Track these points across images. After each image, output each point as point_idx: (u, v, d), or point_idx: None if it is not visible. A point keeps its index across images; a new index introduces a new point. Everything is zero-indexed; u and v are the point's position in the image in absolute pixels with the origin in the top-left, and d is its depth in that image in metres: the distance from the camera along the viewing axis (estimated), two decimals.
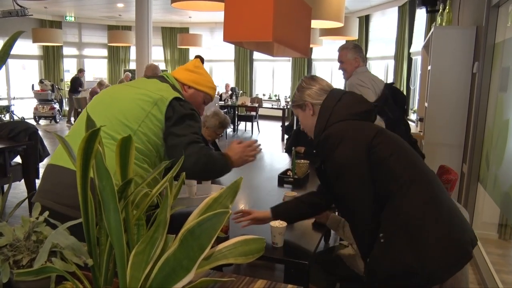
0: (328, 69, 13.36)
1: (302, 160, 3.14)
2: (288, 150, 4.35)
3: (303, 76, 2.04)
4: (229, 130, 11.13)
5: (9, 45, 1.26)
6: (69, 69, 14.36)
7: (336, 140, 1.65)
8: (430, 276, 1.50)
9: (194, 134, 1.82)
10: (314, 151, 1.83)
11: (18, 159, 4.81)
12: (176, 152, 1.77)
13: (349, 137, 1.65)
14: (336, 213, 2.28)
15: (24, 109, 11.95)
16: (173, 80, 2.00)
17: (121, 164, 0.86)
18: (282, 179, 3.04)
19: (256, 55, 14.33)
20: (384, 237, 1.57)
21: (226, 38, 2.36)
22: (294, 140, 4.28)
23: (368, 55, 11.62)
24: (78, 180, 0.81)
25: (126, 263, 0.84)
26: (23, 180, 4.64)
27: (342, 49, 3.57)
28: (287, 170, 3.19)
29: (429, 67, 4.54)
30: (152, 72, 5.01)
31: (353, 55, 3.49)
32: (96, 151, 0.78)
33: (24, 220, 1.08)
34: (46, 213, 1.12)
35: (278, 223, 1.88)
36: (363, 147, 1.62)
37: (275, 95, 13.65)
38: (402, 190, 1.58)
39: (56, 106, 12.10)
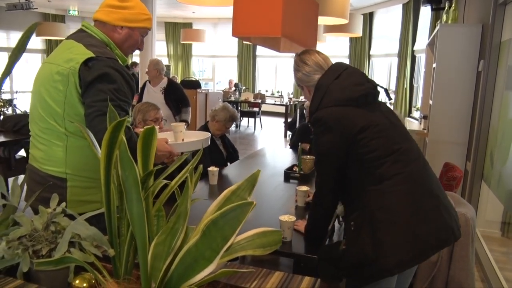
0: None
1: (308, 156, 3.15)
2: (293, 146, 4.37)
3: (296, 53, 1.95)
4: (232, 126, 11.14)
5: (26, 37, 1.27)
6: None
7: (321, 128, 1.71)
8: (380, 267, 1.55)
9: (105, 101, 1.53)
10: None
11: (22, 152, 4.83)
12: (87, 124, 1.57)
13: (333, 128, 1.68)
14: None
15: (27, 102, 11.95)
16: (94, 30, 1.75)
17: (143, 155, 0.87)
18: (289, 174, 3.05)
19: (259, 51, 14.29)
20: (354, 225, 1.64)
21: (235, 33, 2.37)
22: (298, 136, 4.29)
23: (371, 52, 11.60)
24: (102, 170, 0.82)
25: (148, 253, 0.85)
26: None
27: None
28: (293, 165, 3.20)
29: (434, 65, 4.54)
30: (154, 67, 5.00)
31: None
32: (120, 141, 0.79)
33: (42, 211, 1.09)
34: (63, 204, 1.13)
35: (287, 217, 1.89)
36: (344, 142, 1.67)
37: (278, 91, 13.64)
38: (375, 184, 1.63)
39: None
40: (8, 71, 1.13)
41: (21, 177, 1.28)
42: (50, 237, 1.05)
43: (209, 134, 2.14)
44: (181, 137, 2.09)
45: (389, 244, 1.56)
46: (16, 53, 1.20)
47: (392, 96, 9.36)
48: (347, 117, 1.68)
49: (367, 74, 3.49)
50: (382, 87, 1.78)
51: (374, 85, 1.77)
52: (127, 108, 1.66)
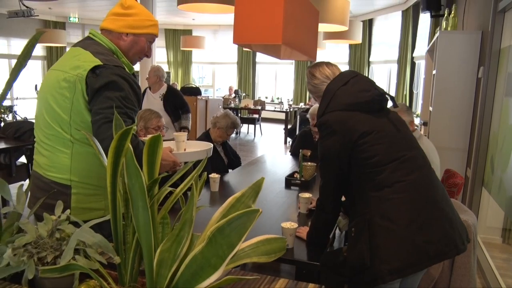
0: None
1: (309, 163, 3.16)
2: (293, 152, 4.37)
3: (308, 66, 2.05)
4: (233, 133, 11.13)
5: (31, 45, 1.28)
6: None
7: (326, 131, 1.76)
8: (374, 274, 1.56)
9: (112, 108, 1.54)
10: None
11: (23, 159, 4.84)
12: (94, 131, 1.58)
13: (337, 132, 1.72)
14: None
15: (27, 109, 11.96)
16: (101, 38, 1.77)
17: (148, 163, 0.87)
18: (290, 181, 3.06)
19: (259, 58, 14.33)
20: (354, 231, 1.66)
21: (236, 41, 2.38)
22: (299, 142, 4.30)
23: (371, 59, 11.64)
24: (108, 178, 0.82)
25: (153, 260, 0.85)
26: (27, 180, 4.67)
27: None
28: (294, 172, 3.21)
29: (434, 71, 4.56)
30: (155, 74, 5.02)
31: None
32: (127, 149, 0.80)
33: (47, 218, 1.09)
34: (68, 211, 1.14)
35: (289, 224, 1.89)
36: (346, 145, 1.70)
37: (278, 98, 13.67)
38: (376, 190, 1.64)
39: None
40: (13, 79, 1.14)
41: (26, 184, 1.28)
42: (55, 244, 1.06)
43: (211, 145, 2.14)
44: (183, 146, 2.10)
45: (386, 251, 1.56)
46: (21, 60, 1.22)
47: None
48: (351, 121, 1.71)
49: None
50: (389, 94, 1.80)
51: (381, 92, 1.79)
52: (133, 116, 1.67)
